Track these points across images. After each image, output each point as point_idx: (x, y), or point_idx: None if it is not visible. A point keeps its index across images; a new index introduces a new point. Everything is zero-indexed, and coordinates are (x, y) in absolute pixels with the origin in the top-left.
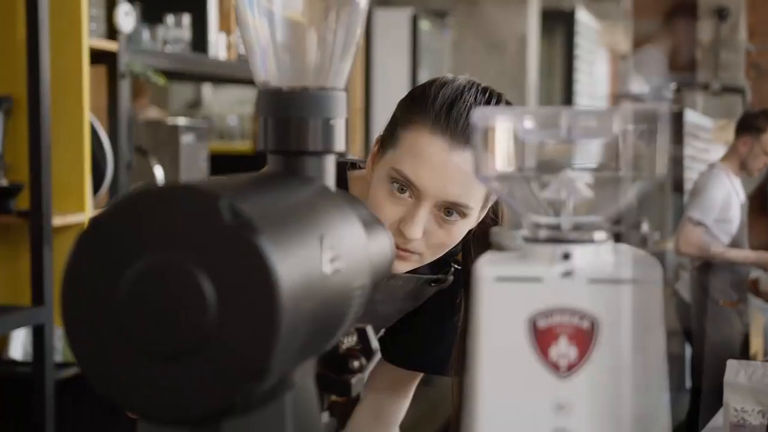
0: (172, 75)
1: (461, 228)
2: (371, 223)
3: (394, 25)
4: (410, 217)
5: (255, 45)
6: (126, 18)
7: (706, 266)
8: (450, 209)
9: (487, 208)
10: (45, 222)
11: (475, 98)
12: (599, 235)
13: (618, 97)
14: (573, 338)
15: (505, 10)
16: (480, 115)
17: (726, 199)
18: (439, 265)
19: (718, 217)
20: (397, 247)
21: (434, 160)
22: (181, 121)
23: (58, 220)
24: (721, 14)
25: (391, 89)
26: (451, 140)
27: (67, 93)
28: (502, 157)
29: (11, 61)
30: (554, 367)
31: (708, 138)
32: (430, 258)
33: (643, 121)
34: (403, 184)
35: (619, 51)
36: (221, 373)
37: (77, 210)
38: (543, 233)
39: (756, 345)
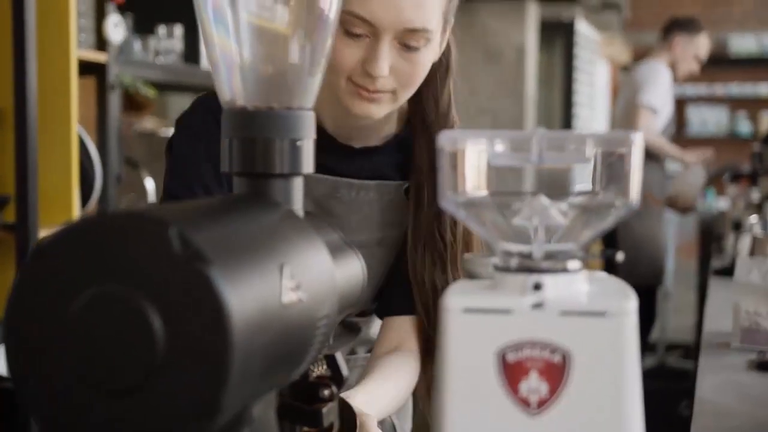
0: (163, 86)
1: (426, 56)
2: (340, 248)
3: None
4: (372, 54)
5: (220, 63)
6: (115, 29)
7: None
8: (410, 39)
9: (447, 34)
10: (31, 235)
11: None
12: (573, 264)
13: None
14: (544, 373)
15: (504, 21)
16: (447, 138)
17: (668, 90)
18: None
19: (663, 107)
20: (367, 90)
21: None
22: None
23: (45, 234)
24: None
25: None
26: None
27: (55, 104)
28: (470, 181)
29: None
30: (524, 403)
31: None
32: (404, 96)
33: (614, 146)
34: (356, 26)
35: (620, 62)
36: (169, 410)
37: (65, 223)
38: (514, 262)
39: None
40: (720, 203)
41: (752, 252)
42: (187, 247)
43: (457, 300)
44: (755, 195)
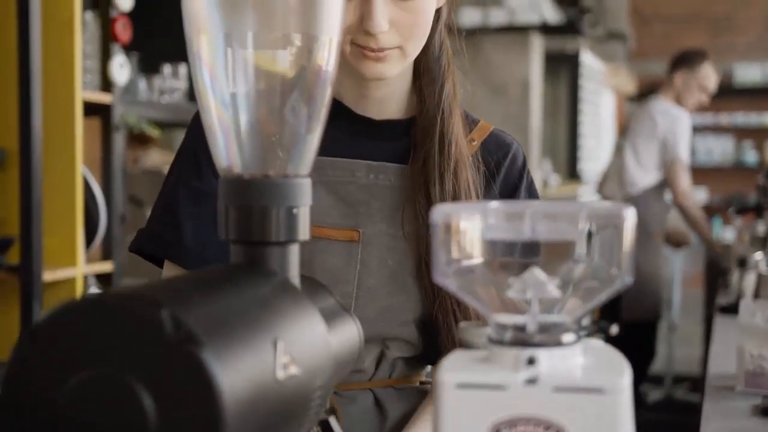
0: (168, 124)
1: (426, 2)
2: (335, 313)
3: None
4: (368, 11)
5: (217, 130)
6: (121, 70)
7: (642, 198)
8: None
9: None
10: (35, 278)
11: None
12: (567, 337)
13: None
14: None
15: (508, 54)
16: (440, 212)
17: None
18: None
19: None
20: (372, 50)
21: None
22: None
23: (48, 276)
24: None
25: None
26: None
27: (60, 146)
28: (463, 254)
29: (4, 113)
30: None
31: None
32: (413, 49)
33: (608, 220)
34: None
35: (625, 92)
36: None
37: (69, 265)
38: (508, 335)
39: None
40: (726, 234)
41: (758, 289)
42: (179, 329)
43: (451, 375)
44: (761, 228)
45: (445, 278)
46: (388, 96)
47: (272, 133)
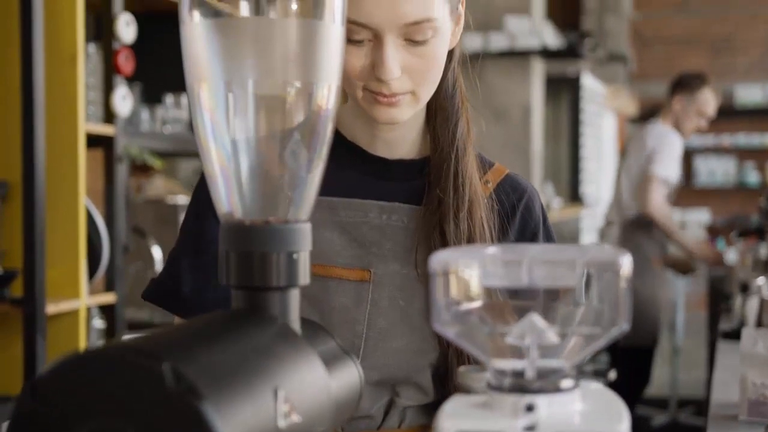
0: (171, 154)
1: (438, 47)
2: (336, 356)
3: None
4: (379, 58)
5: (218, 176)
6: (123, 102)
7: (638, 222)
8: (414, 33)
9: (462, 22)
10: (39, 310)
11: None
12: (565, 383)
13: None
14: None
15: (510, 79)
16: (438, 258)
17: (679, 158)
18: None
19: (673, 176)
20: (384, 95)
21: None
22: (182, 199)
23: (52, 308)
24: None
25: None
26: None
27: (63, 178)
28: (461, 300)
29: (7, 146)
30: None
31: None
32: (425, 94)
33: (604, 267)
34: (355, 32)
35: (627, 113)
36: None
37: (72, 296)
38: (507, 381)
39: None
40: (729, 255)
41: (760, 315)
42: (180, 382)
43: (451, 422)
44: (763, 251)
45: (443, 324)
46: (401, 137)
47: (273, 178)
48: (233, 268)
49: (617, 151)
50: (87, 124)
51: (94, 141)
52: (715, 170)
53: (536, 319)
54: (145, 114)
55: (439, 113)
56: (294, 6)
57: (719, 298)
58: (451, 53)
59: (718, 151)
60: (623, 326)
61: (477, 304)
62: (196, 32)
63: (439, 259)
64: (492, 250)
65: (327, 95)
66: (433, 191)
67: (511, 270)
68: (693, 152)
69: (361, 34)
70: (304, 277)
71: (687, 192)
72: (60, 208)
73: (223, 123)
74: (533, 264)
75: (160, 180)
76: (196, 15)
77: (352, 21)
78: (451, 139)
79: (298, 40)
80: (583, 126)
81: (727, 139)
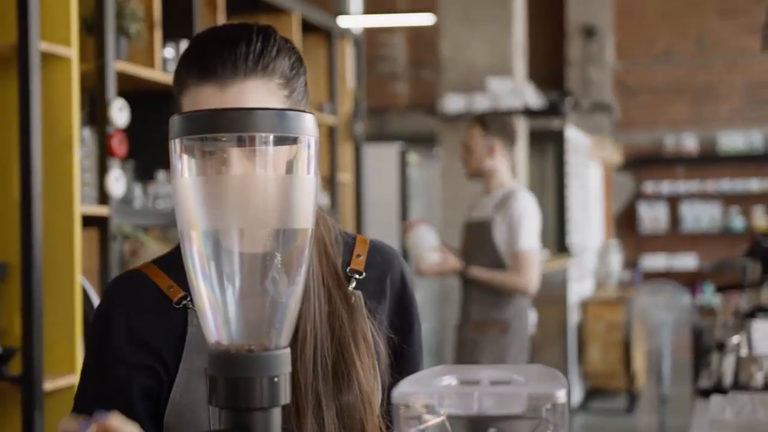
0: (164, 226)
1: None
2: None
3: (383, 158)
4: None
5: (207, 309)
6: (117, 183)
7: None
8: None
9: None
10: (36, 388)
11: (228, 29)
12: None
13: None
14: None
15: None
16: (398, 393)
17: None
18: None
19: None
20: None
21: (206, 107)
22: None
23: (49, 384)
24: (588, 32)
25: (382, 221)
26: (221, 79)
27: (59, 258)
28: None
29: (4, 229)
30: None
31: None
32: None
33: (542, 401)
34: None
35: (611, 162)
36: None
37: (69, 372)
38: None
39: None
40: (715, 300)
41: (737, 373)
42: None
43: None
44: (743, 303)
45: None
46: None
47: (256, 310)
48: (220, 391)
49: (604, 201)
50: (82, 206)
51: (89, 221)
52: (701, 216)
53: None
54: (138, 190)
55: None
56: (272, 162)
57: (701, 349)
58: None
59: (703, 197)
60: None
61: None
62: (186, 186)
63: (401, 392)
64: (447, 381)
65: (303, 237)
66: None
67: (464, 399)
68: (679, 198)
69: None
70: (285, 397)
71: (674, 237)
72: (57, 288)
73: (210, 264)
74: (482, 396)
75: (154, 245)
76: (186, 172)
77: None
78: None
79: (276, 193)
80: (569, 177)
81: (711, 185)
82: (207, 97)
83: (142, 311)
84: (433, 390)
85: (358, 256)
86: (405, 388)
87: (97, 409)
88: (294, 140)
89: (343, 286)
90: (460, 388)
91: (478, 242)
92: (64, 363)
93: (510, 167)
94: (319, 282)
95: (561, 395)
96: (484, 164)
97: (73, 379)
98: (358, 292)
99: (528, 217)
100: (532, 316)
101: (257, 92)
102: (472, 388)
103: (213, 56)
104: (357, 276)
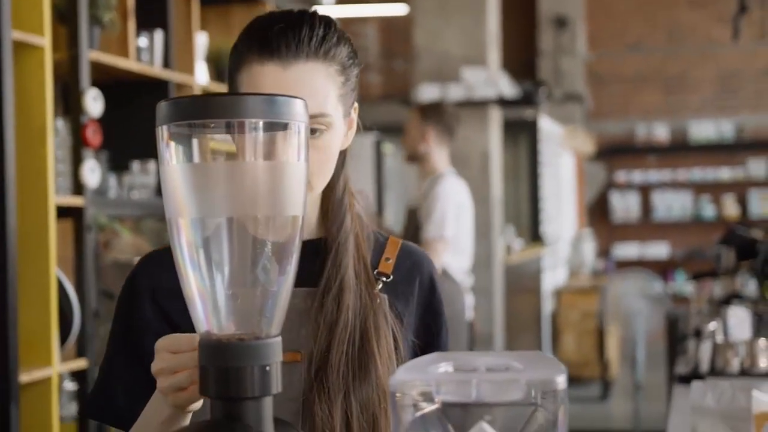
0: (138, 217)
1: (331, 140)
2: None
3: (358, 149)
4: None
5: (196, 299)
6: (91, 174)
7: None
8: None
9: (354, 123)
10: (12, 381)
11: (291, 13)
12: None
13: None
14: None
15: (468, 126)
16: (395, 380)
17: None
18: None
19: None
20: None
21: (268, 84)
22: None
23: (25, 377)
24: (560, 23)
25: None
26: (284, 58)
27: (34, 250)
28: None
29: None
30: None
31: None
32: (318, 184)
33: (541, 386)
34: None
35: (584, 152)
36: None
37: (44, 365)
38: None
39: None
40: (687, 288)
41: (713, 359)
42: None
43: None
44: (717, 290)
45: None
46: None
47: (246, 299)
48: (212, 381)
49: (577, 189)
50: (57, 196)
51: (63, 212)
52: (672, 205)
53: (486, 427)
54: (112, 181)
55: (330, 212)
56: (262, 149)
57: (676, 336)
58: (343, 156)
59: (674, 186)
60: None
61: (433, 418)
62: (174, 173)
63: (398, 380)
64: (443, 368)
65: (292, 224)
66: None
67: (461, 386)
68: (650, 187)
69: None
70: (276, 386)
71: (646, 226)
72: (32, 280)
73: (199, 253)
74: (480, 383)
75: (127, 236)
76: (174, 159)
77: None
78: (335, 235)
79: (266, 179)
80: (542, 167)
81: (682, 174)
82: (268, 74)
83: (165, 287)
84: (431, 377)
85: (387, 259)
86: (401, 375)
87: (126, 372)
88: (284, 126)
89: (371, 284)
90: (458, 375)
91: (412, 228)
92: (40, 355)
93: (447, 155)
94: (353, 276)
95: (560, 381)
96: (417, 149)
97: (49, 372)
98: (384, 296)
99: (440, 205)
100: (468, 301)
101: (318, 74)
102: (470, 375)
103: (277, 35)
104: (384, 279)
